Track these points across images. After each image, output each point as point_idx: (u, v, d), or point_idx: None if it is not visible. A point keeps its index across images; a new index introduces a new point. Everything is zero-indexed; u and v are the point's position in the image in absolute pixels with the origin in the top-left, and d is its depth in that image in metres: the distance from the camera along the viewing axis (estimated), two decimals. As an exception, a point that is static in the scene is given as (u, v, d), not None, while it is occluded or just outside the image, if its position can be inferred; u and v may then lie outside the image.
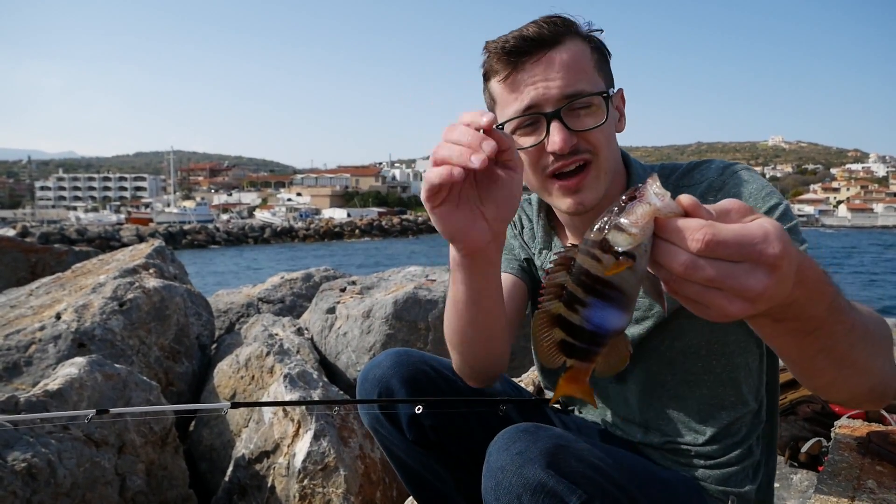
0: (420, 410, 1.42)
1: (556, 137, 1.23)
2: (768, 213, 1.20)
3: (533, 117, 1.25)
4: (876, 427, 1.85)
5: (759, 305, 0.70)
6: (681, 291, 0.72)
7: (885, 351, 0.93)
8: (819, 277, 0.78)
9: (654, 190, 0.69)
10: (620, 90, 1.37)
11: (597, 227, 0.71)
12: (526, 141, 1.28)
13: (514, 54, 1.24)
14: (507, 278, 1.49)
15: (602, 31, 1.34)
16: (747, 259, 0.68)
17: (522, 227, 1.57)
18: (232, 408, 1.60)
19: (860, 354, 0.88)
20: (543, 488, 1.01)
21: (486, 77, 1.33)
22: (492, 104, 1.35)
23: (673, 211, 0.69)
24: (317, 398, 2.96)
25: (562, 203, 1.31)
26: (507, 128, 1.29)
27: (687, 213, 0.69)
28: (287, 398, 2.92)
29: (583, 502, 1.01)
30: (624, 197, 0.71)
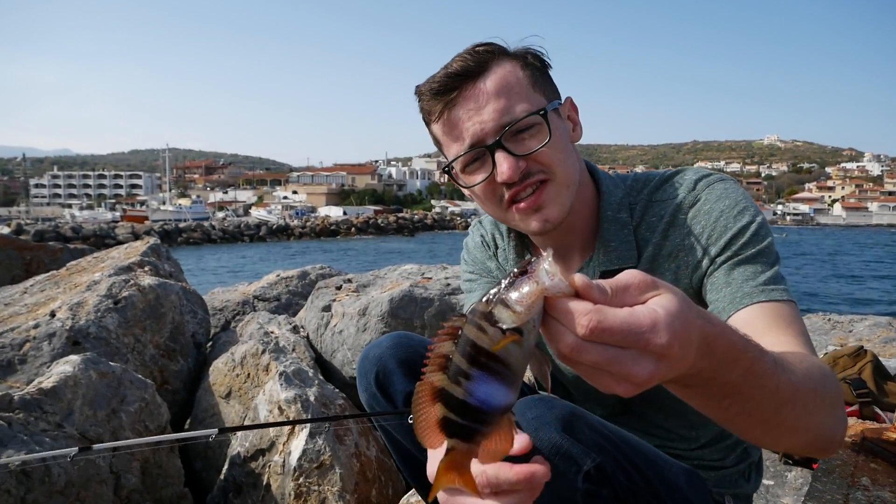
0: (412, 420, 1.42)
1: (503, 167, 1.20)
2: (738, 234, 1.19)
3: (477, 152, 1.23)
4: (870, 425, 1.86)
5: (647, 387, 0.69)
6: (570, 366, 0.71)
7: (825, 407, 0.91)
8: (732, 346, 0.76)
9: (545, 267, 0.68)
10: (568, 99, 1.33)
11: (485, 298, 0.69)
12: (476, 178, 1.26)
13: (442, 93, 1.23)
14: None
15: (540, 50, 1.30)
16: (633, 346, 0.67)
17: (496, 248, 1.54)
18: (219, 434, 1.61)
19: (788, 415, 0.85)
20: (559, 450, 1.04)
21: (426, 122, 1.32)
22: (438, 146, 1.33)
23: (562, 291, 0.67)
24: (312, 396, 2.96)
25: (527, 225, 1.29)
26: (456, 167, 1.28)
27: (578, 294, 0.68)
28: (282, 396, 2.91)
29: (596, 466, 1.04)
30: (516, 270, 0.69)
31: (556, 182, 1.24)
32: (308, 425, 2.76)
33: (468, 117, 1.22)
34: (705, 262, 1.22)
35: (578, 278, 0.68)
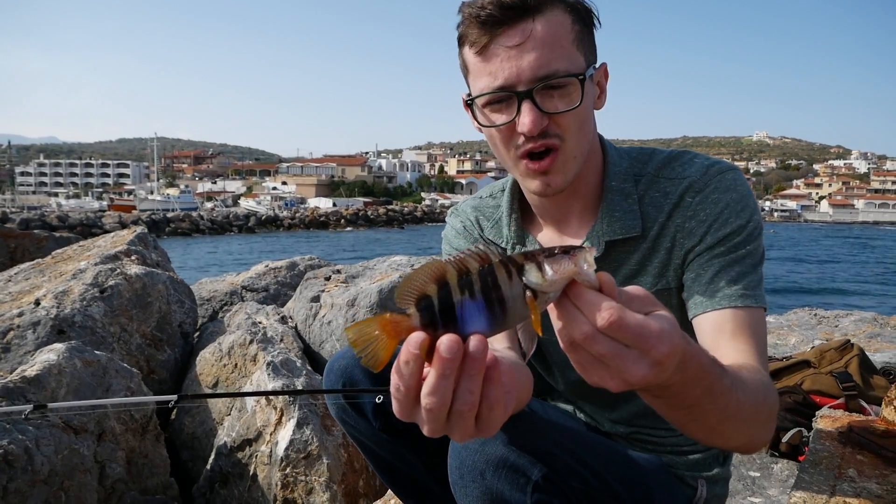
0: (380, 400, 1.42)
1: (525, 119, 1.17)
2: (736, 231, 1.21)
3: (505, 94, 1.19)
4: (856, 417, 1.87)
5: (633, 387, 0.76)
6: (570, 353, 0.76)
7: (760, 421, 1.00)
8: (701, 367, 0.83)
9: (586, 257, 0.73)
10: (603, 65, 1.28)
11: (524, 251, 0.76)
12: (497, 118, 1.23)
13: (489, 23, 1.16)
14: None
15: (592, 5, 1.25)
16: (638, 348, 0.73)
17: (481, 229, 1.52)
18: (180, 400, 1.59)
19: (728, 426, 0.95)
20: (505, 463, 1.04)
21: (461, 42, 1.25)
22: (465, 71, 1.28)
23: (590, 282, 0.73)
24: (300, 386, 2.94)
25: (530, 184, 1.28)
26: (479, 102, 1.23)
27: (601, 289, 0.73)
28: (270, 386, 2.90)
29: (544, 475, 1.03)
30: (558, 248, 0.74)
31: (566, 151, 1.23)
32: (295, 416, 2.74)
33: (507, 56, 1.16)
34: (699, 248, 1.24)
35: (606, 277, 0.74)
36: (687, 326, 1.21)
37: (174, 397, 1.58)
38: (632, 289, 0.78)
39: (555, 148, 1.22)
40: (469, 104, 1.28)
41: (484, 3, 1.16)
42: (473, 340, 0.71)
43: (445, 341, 0.70)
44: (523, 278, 0.73)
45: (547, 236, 1.43)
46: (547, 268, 0.72)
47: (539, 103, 1.17)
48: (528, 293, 0.73)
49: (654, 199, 1.30)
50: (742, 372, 0.98)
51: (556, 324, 0.76)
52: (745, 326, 1.15)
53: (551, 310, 0.76)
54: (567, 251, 0.73)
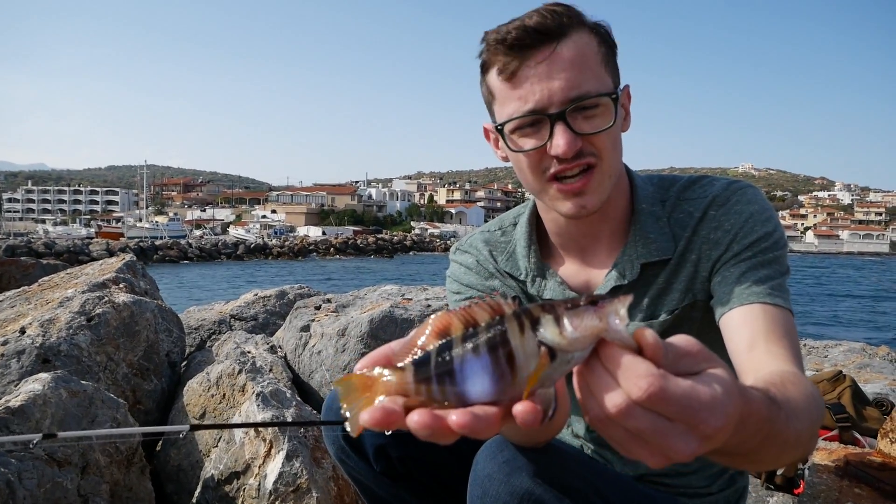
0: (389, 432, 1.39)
1: (559, 141, 1.15)
2: (763, 238, 1.21)
3: (535, 118, 1.17)
4: (852, 450, 1.86)
5: (682, 461, 0.64)
6: (602, 429, 0.64)
7: (814, 438, 0.92)
8: (760, 419, 0.73)
9: (617, 309, 0.61)
10: (627, 87, 1.27)
11: (545, 301, 0.64)
12: (527, 143, 1.21)
13: (516, 48, 1.15)
14: None
15: (609, 28, 1.25)
16: (684, 422, 0.61)
17: (496, 262, 1.46)
18: (192, 430, 1.56)
19: (786, 456, 0.86)
20: (531, 497, 1.01)
21: (484, 69, 1.24)
22: (490, 98, 1.26)
23: (623, 341, 0.61)
24: (290, 417, 2.90)
25: (562, 206, 1.24)
26: (508, 128, 1.21)
27: (641, 349, 0.61)
28: (259, 417, 2.85)
29: None
30: (586, 296, 0.63)
31: (602, 170, 1.21)
32: (285, 448, 2.70)
33: (538, 80, 1.14)
34: (725, 256, 1.23)
35: (650, 335, 0.61)
36: (713, 338, 1.17)
37: (186, 427, 1.56)
38: (683, 342, 0.65)
39: (591, 166, 1.20)
40: (499, 130, 1.25)
41: (510, 28, 1.15)
42: (457, 418, 0.60)
43: (415, 418, 0.60)
44: (537, 333, 0.61)
45: (570, 269, 1.40)
46: (566, 322, 0.61)
47: (572, 125, 1.16)
48: (543, 350, 0.61)
49: (679, 220, 1.30)
50: (789, 391, 0.87)
51: (579, 392, 0.65)
52: (778, 325, 1.11)
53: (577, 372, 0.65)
54: (594, 302, 0.62)
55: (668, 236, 1.29)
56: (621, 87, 1.25)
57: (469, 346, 0.63)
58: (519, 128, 1.20)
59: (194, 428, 1.72)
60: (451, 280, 1.52)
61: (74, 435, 2.05)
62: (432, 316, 0.66)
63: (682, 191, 1.33)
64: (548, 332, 0.61)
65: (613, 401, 0.61)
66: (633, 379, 0.59)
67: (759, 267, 1.18)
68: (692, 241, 1.28)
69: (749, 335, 1.10)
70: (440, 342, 0.64)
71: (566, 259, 1.41)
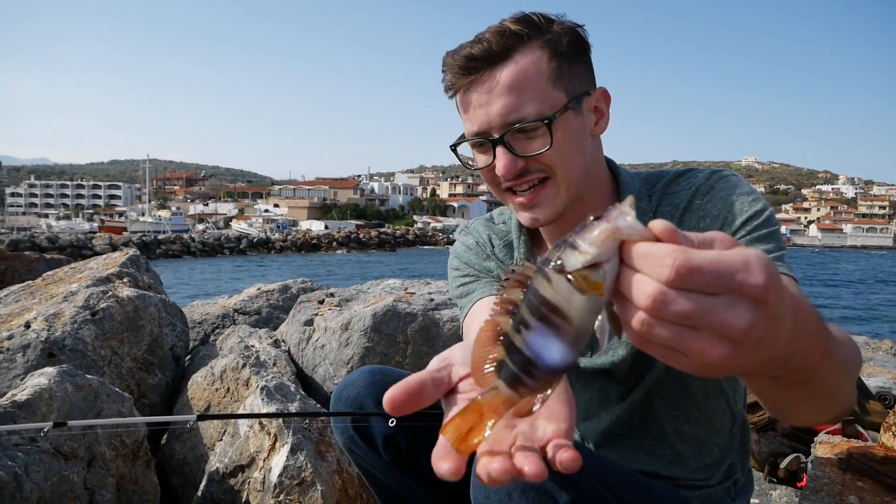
0: (394, 423, 1.41)
1: (500, 163, 1.22)
2: (754, 216, 1.21)
3: (480, 139, 1.24)
4: (855, 443, 1.87)
5: (746, 349, 0.59)
6: (652, 337, 0.60)
7: (855, 376, 0.90)
8: (815, 323, 0.70)
9: (620, 209, 0.60)
10: (600, 90, 1.29)
11: (555, 245, 0.62)
12: (481, 160, 1.29)
13: (460, 73, 1.21)
14: (487, 302, 1.41)
15: (579, 25, 1.26)
16: (726, 291, 0.57)
17: (493, 246, 1.53)
18: (199, 420, 1.57)
19: (840, 391, 0.83)
20: (534, 486, 1.02)
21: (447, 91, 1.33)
22: (461, 116, 1.34)
23: (639, 233, 0.59)
24: (294, 411, 2.91)
25: (520, 217, 1.31)
26: (462, 146, 1.31)
27: (659, 240, 0.59)
28: (264, 411, 2.86)
29: (572, 500, 1.02)
30: (591, 217, 0.62)
31: (556, 182, 1.25)
32: (289, 441, 2.71)
33: (479, 104, 1.21)
34: None
35: (659, 222, 0.59)
36: None
37: (193, 417, 1.60)
38: (709, 234, 0.62)
39: (544, 178, 1.24)
40: (453, 149, 1.33)
41: (458, 54, 1.22)
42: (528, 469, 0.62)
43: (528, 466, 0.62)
44: (565, 272, 0.60)
45: None
46: (579, 242, 0.60)
47: (513, 147, 1.21)
48: (576, 278, 0.59)
49: (666, 213, 1.32)
50: (831, 328, 0.82)
51: (617, 308, 0.62)
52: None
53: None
54: (598, 217, 0.61)
55: None
56: (590, 91, 1.26)
57: (522, 327, 0.63)
58: (474, 146, 1.29)
59: (201, 418, 1.76)
60: (453, 257, 1.58)
61: (84, 423, 2.09)
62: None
63: (667, 185, 1.35)
64: (569, 261, 0.60)
65: (645, 291, 0.58)
66: (657, 262, 0.57)
67: (757, 242, 1.19)
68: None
69: None
70: (501, 340, 0.65)
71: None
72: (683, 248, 0.57)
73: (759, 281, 0.57)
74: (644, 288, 0.58)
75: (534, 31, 1.20)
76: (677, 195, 1.32)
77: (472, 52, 1.19)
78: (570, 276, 0.59)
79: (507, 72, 1.18)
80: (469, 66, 1.20)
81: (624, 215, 0.60)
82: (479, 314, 1.38)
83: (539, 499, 1.01)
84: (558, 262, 0.60)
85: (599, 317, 0.62)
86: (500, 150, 1.22)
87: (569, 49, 1.22)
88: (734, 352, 0.59)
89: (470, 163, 1.35)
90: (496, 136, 1.21)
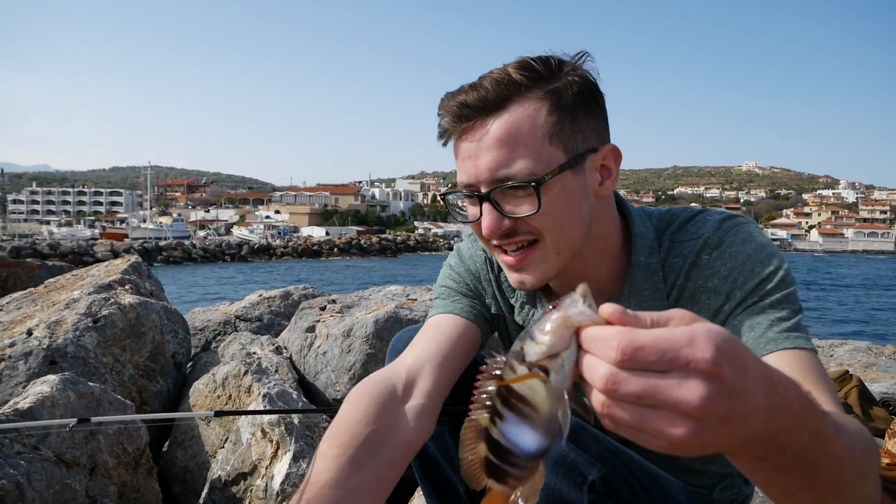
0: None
1: (485, 222, 1.13)
2: (766, 279, 1.11)
3: (468, 192, 1.16)
4: (859, 450, 1.86)
5: (711, 424, 0.58)
6: (615, 419, 0.61)
7: (872, 473, 0.81)
8: (800, 400, 0.67)
9: (572, 297, 0.64)
10: (609, 148, 1.17)
11: (520, 335, 0.66)
12: (471, 212, 1.20)
13: (453, 120, 1.13)
14: (455, 321, 1.36)
15: (592, 77, 1.15)
16: (675, 367, 0.58)
17: (500, 271, 1.42)
18: (216, 416, 1.60)
19: (846, 483, 0.75)
20: (565, 459, 1.06)
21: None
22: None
23: (590, 319, 0.62)
24: (296, 418, 2.90)
25: (509, 277, 1.22)
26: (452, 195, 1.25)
27: (610, 323, 0.62)
28: (266, 418, 2.86)
29: (601, 476, 1.05)
30: (549, 306, 0.65)
31: (545, 246, 1.15)
32: (291, 449, 2.70)
33: (468, 155, 1.12)
34: (728, 307, 1.14)
35: (608, 306, 0.62)
36: None
37: (211, 413, 1.69)
38: (669, 311, 0.63)
39: (530, 243, 1.15)
40: (443, 197, 1.27)
41: (454, 98, 1.13)
42: None
43: None
44: (526, 362, 0.64)
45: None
46: (536, 333, 0.63)
47: (500, 205, 1.12)
48: (536, 371, 0.63)
49: (673, 265, 1.22)
50: (836, 414, 0.79)
51: (586, 392, 0.64)
52: (805, 369, 1.00)
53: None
54: (555, 306, 0.65)
55: (661, 293, 1.22)
56: (597, 148, 1.15)
57: (497, 418, 0.67)
58: (465, 196, 1.20)
59: (219, 414, 1.84)
60: (458, 258, 1.50)
61: (107, 420, 2.19)
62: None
63: (676, 231, 1.24)
64: (529, 352, 0.64)
65: (598, 373, 0.60)
66: (604, 345, 0.59)
67: (769, 310, 1.09)
68: (685, 287, 1.20)
69: None
70: (482, 436, 0.70)
71: (560, 293, 1.34)
72: (629, 329, 0.59)
73: (705, 355, 0.57)
74: (597, 370, 0.60)
75: (536, 79, 1.10)
76: (686, 245, 1.21)
77: (466, 98, 1.10)
78: (530, 367, 0.63)
79: (499, 123, 1.08)
80: (462, 114, 1.11)
81: (574, 303, 0.63)
82: (442, 326, 1.34)
83: (569, 473, 1.04)
84: (521, 353, 0.64)
85: (569, 400, 0.65)
86: (486, 207, 1.13)
87: (574, 102, 1.11)
88: (698, 429, 0.58)
89: (460, 212, 1.26)
90: (484, 191, 1.12)
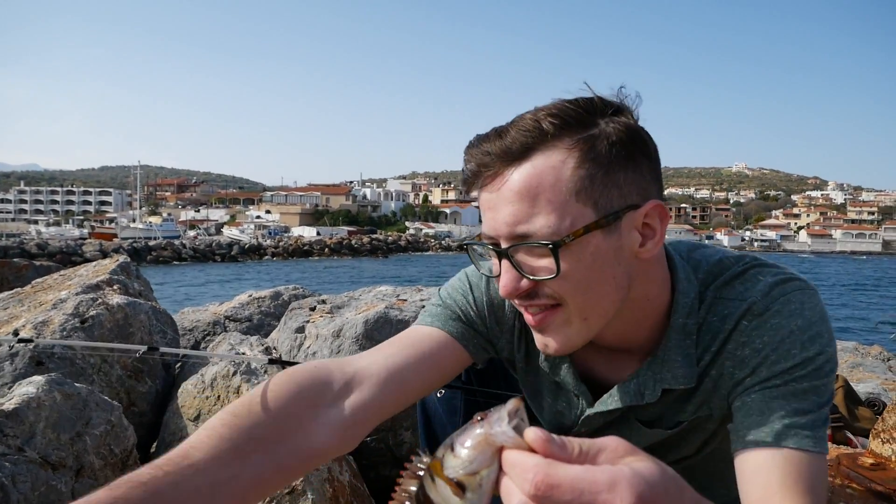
0: (442, 394, 1.52)
1: (502, 280, 1.03)
2: (801, 364, 1.00)
3: (490, 246, 1.05)
4: (844, 450, 1.87)
5: None
6: None
7: None
8: None
9: (499, 413, 0.60)
10: (652, 205, 1.01)
11: (445, 441, 0.63)
12: (493, 264, 1.09)
13: (475, 167, 1.02)
14: (443, 341, 1.23)
15: (634, 126, 1.01)
16: None
17: (520, 320, 1.28)
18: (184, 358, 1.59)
19: None
20: None
21: None
22: None
23: (512, 440, 0.58)
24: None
25: (534, 337, 1.10)
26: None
27: (532, 449, 0.58)
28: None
29: None
30: (478, 417, 0.61)
31: (568, 311, 1.02)
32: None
33: (488, 206, 1.02)
34: (749, 381, 1.04)
35: (531, 431, 0.58)
36: (725, 452, 1.05)
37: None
38: (603, 440, 0.60)
39: (554, 305, 1.03)
40: (465, 246, 1.17)
41: (476, 146, 1.03)
42: None
43: None
44: (445, 472, 0.60)
45: (591, 355, 1.22)
46: (457, 446, 0.59)
47: (519, 265, 1.01)
48: (451, 484, 0.59)
49: (712, 325, 1.10)
50: None
51: None
52: (802, 477, 0.92)
53: None
54: (483, 417, 0.61)
55: (691, 358, 1.10)
56: (638, 205, 1.00)
57: None
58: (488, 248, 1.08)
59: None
60: (474, 279, 1.32)
61: (169, 351, 2.45)
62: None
63: (721, 287, 1.11)
64: (448, 464, 0.60)
65: (513, 502, 0.57)
66: (521, 475, 0.56)
67: (790, 398, 0.98)
68: (719, 353, 1.09)
69: (762, 486, 0.93)
70: None
71: (593, 355, 1.23)
72: (549, 463, 0.56)
73: (624, 499, 0.54)
74: (512, 499, 0.57)
75: (566, 126, 0.97)
76: (729, 304, 1.08)
77: (489, 146, 0.99)
78: (449, 479, 0.59)
79: (520, 174, 0.97)
80: (484, 162, 1.00)
81: (500, 421, 0.59)
82: (423, 342, 1.21)
83: None
84: (441, 463, 0.60)
85: None
86: (504, 265, 1.02)
87: (610, 152, 0.97)
88: None
89: (483, 262, 1.17)
90: (503, 246, 1.01)
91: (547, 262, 0.98)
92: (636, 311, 1.09)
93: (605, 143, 0.97)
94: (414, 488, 0.63)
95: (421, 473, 0.63)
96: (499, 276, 1.04)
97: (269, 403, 0.99)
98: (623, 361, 1.18)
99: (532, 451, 0.58)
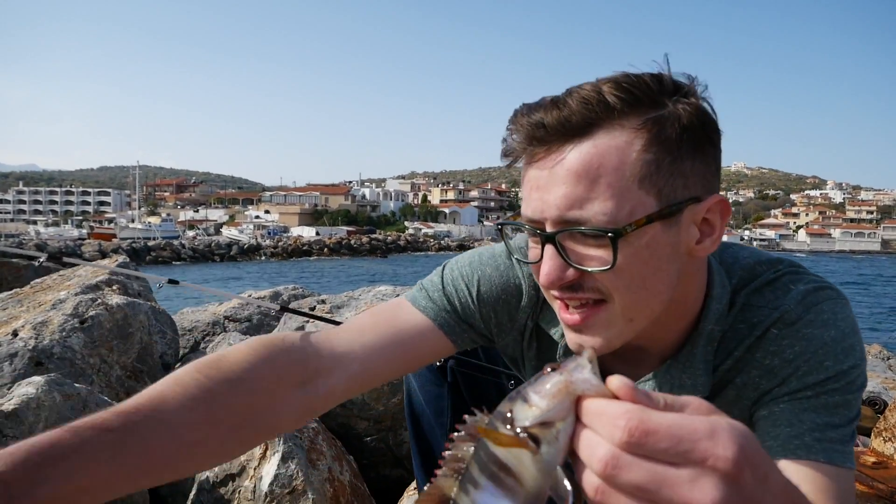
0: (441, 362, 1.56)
1: (544, 267, 0.92)
2: (834, 378, 0.94)
3: (531, 229, 0.95)
4: (846, 448, 1.87)
5: None
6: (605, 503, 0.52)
7: None
8: (786, 487, 0.57)
9: (578, 361, 0.55)
10: (715, 199, 0.92)
11: (509, 395, 0.57)
12: (532, 252, 0.99)
13: (525, 141, 0.91)
14: (425, 326, 1.16)
15: (707, 112, 0.92)
16: (689, 462, 0.49)
17: (527, 301, 1.19)
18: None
19: None
20: None
21: None
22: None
23: (595, 389, 0.53)
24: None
25: (566, 336, 1.01)
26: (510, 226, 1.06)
27: (614, 396, 0.53)
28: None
29: None
30: (548, 368, 0.56)
31: (614, 309, 0.93)
32: (280, 449, 2.69)
33: (537, 185, 0.91)
34: (777, 391, 0.98)
35: (617, 378, 0.53)
36: None
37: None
38: (684, 397, 0.54)
39: (596, 302, 0.94)
40: (498, 228, 1.08)
41: (526, 115, 0.91)
42: None
43: None
44: (514, 427, 0.54)
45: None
46: (531, 395, 0.54)
47: (566, 252, 0.91)
48: (524, 436, 0.53)
49: (738, 331, 1.03)
50: None
51: (577, 471, 0.54)
52: (830, 490, 0.88)
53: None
54: (555, 367, 0.56)
55: (710, 371, 1.05)
56: (700, 198, 0.91)
57: (469, 487, 0.56)
58: (529, 231, 0.98)
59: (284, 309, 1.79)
60: (479, 263, 1.21)
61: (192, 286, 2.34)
62: (424, 492, 0.59)
63: (752, 293, 1.04)
64: (519, 415, 0.54)
65: (597, 454, 0.51)
66: (609, 422, 0.51)
67: (821, 411, 0.93)
68: (743, 359, 1.03)
69: None
70: None
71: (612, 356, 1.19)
72: (640, 408, 0.51)
73: (726, 453, 0.49)
74: (596, 450, 0.51)
75: (635, 104, 0.87)
76: (759, 311, 1.02)
77: (544, 117, 0.88)
78: (520, 433, 0.53)
79: (579, 152, 0.86)
80: (536, 135, 0.89)
81: (581, 368, 0.55)
82: (406, 328, 1.15)
83: None
84: (509, 416, 0.55)
85: (562, 478, 0.55)
86: (548, 251, 0.91)
87: (681, 137, 0.88)
88: None
89: (517, 246, 1.08)
90: (549, 230, 0.90)
91: (600, 253, 0.89)
92: (669, 313, 1.00)
93: (675, 126, 0.87)
94: (469, 451, 0.57)
95: (482, 429, 0.56)
96: (538, 262, 0.95)
97: (243, 373, 0.96)
98: (640, 361, 1.11)
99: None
